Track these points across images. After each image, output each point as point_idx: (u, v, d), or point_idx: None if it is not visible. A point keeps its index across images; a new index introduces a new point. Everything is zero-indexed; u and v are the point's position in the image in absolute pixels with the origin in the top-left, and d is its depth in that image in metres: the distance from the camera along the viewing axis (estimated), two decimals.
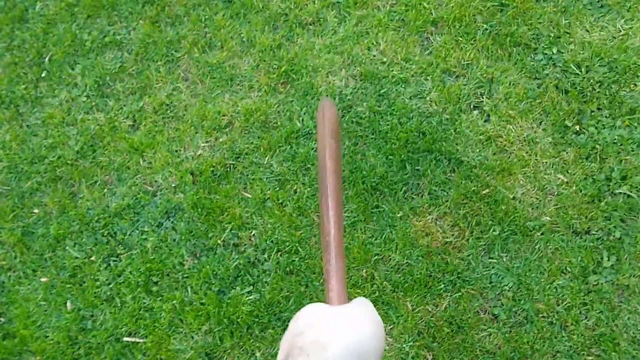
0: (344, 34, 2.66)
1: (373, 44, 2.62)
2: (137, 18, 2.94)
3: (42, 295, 2.43)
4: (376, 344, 0.86)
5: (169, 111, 2.67)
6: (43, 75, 2.89)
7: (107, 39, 2.91)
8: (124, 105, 2.72)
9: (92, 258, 2.45)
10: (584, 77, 2.43)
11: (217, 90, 2.66)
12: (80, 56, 2.90)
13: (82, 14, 3.02)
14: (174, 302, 2.30)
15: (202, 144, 2.57)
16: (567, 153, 2.31)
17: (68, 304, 2.39)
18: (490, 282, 2.18)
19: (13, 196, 2.63)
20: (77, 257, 2.46)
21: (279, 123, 2.56)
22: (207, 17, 2.84)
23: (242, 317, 2.23)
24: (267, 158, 2.49)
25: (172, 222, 2.45)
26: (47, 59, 2.93)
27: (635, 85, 2.39)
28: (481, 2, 2.63)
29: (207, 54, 2.75)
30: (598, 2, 2.58)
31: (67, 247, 2.48)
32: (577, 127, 2.35)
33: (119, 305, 2.35)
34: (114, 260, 2.43)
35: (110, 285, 2.39)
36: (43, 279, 2.45)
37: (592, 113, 2.37)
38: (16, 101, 2.85)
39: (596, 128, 2.34)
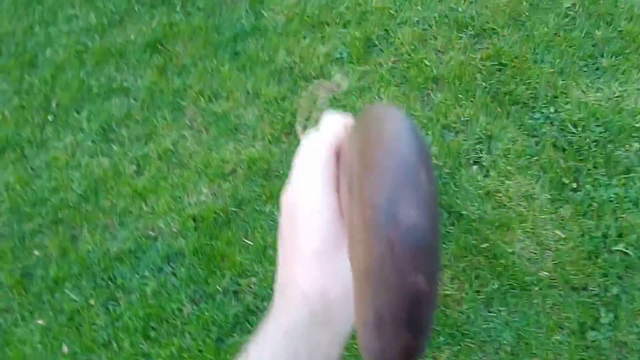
0: (347, 88, 2.74)
1: (375, 98, 2.70)
2: (145, 67, 3.01)
3: (39, 338, 2.41)
4: None
5: (173, 158, 2.71)
6: (50, 119, 2.94)
7: (115, 85, 2.98)
8: (129, 151, 2.76)
9: (90, 302, 2.44)
10: (580, 136, 2.49)
11: (221, 139, 2.71)
12: (87, 102, 2.96)
13: (91, 60, 3.09)
14: (172, 348, 2.29)
15: (205, 191, 2.60)
16: (564, 210, 2.36)
17: (64, 347, 2.37)
18: (489, 336, 2.19)
19: (14, 237, 2.64)
20: (75, 301, 2.45)
21: (281, 172, 2.60)
22: (213, 68, 2.91)
23: None
24: (268, 206, 2.52)
25: (172, 267, 2.46)
26: (54, 104, 2.98)
27: (630, 145, 2.46)
28: (481, 61, 2.72)
29: (213, 103, 2.82)
30: (593, 64, 2.67)
31: (65, 290, 2.48)
32: (574, 185, 2.41)
33: (116, 350, 2.33)
34: (113, 305, 2.43)
35: (108, 330, 2.38)
36: (40, 322, 2.44)
37: (589, 171, 2.43)
38: (22, 144, 2.89)
39: (593, 186, 2.40)
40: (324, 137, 0.56)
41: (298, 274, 0.55)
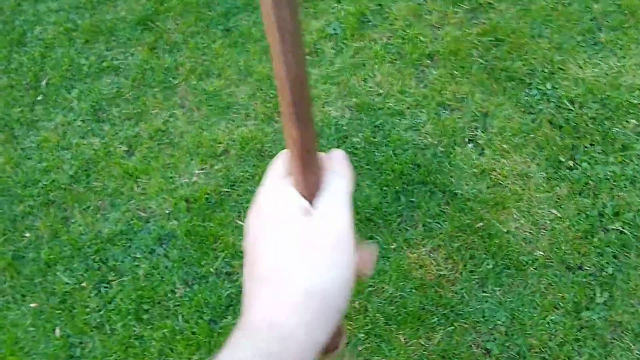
0: (341, 65, 2.69)
1: (369, 75, 2.65)
2: (135, 44, 2.96)
3: (31, 321, 2.40)
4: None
5: (164, 137, 2.67)
6: (39, 98, 2.89)
7: (105, 64, 2.93)
8: (120, 131, 2.72)
9: (82, 284, 2.42)
10: (577, 113, 2.45)
11: (213, 118, 2.67)
12: (77, 81, 2.91)
13: (81, 38, 3.04)
14: (165, 330, 2.28)
15: (197, 171, 2.57)
16: (560, 188, 2.33)
17: (57, 330, 2.36)
18: (484, 316, 2.17)
19: (4, 219, 2.61)
20: (67, 283, 2.43)
21: (274, 152, 2.56)
22: (205, 45, 2.86)
23: None
24: None
25: (164, 249, 2.44)
26: (44, 83, 2.93)
27: (627, 122, 2.42)
28: (477, 36, 2.67)
29: (205, 81, 2.77)
30: (591, 39, 2.62)
31: (57, 273, 2.46)
32: (571, 163, 2.37)
33: (108, 332, 2.32)
34: (105, 287, 2.41)
35: (101, 312, 2.36)
36: (32, 305, 2.42)
37: (586, 149, 2.39)
38: (11, 124, 2.84)
39: (589, 164, 2.36)
40: (275, 170, 0.58)
41: (249, 301, 0.51)
